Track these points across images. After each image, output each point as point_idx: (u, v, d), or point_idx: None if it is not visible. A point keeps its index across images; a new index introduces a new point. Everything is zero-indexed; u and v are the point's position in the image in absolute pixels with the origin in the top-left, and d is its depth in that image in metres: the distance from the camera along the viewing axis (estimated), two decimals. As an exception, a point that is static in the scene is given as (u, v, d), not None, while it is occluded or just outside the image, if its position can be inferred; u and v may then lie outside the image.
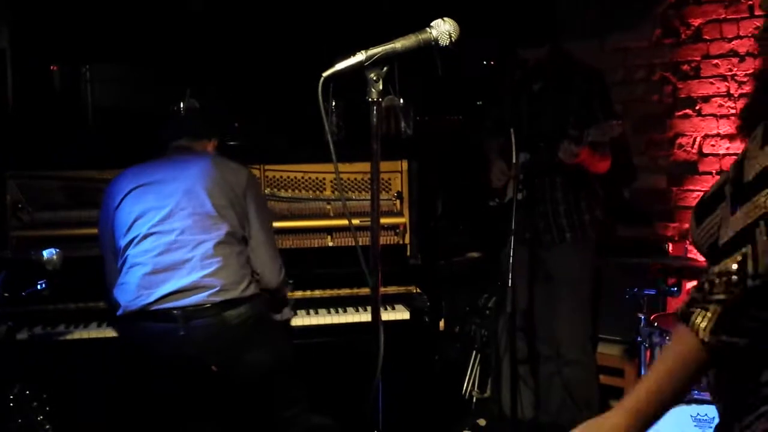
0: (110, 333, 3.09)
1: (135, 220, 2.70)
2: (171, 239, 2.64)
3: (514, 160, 3.18)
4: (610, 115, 3.24)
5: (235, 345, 2.62)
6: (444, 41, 1.70)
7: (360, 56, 1.67)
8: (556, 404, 3.67)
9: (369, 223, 1.85)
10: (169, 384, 2.63)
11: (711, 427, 2.59)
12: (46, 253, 2.57)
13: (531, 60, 3.45)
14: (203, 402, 2.66)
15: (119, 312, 2.67)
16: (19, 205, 3.28)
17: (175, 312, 2.56)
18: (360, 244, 1.84)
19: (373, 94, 1.69)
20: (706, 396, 2.61)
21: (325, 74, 1.67)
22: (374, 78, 1.68)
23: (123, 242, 2.71)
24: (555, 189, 3.43)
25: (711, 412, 2.60)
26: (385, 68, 1.69)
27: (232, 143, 3.67)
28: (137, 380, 2.71)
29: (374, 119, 1.71)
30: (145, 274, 2.62)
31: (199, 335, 2.57)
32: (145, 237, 2.67)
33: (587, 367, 3.52)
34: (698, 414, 2.63)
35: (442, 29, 1.69)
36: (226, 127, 3.09)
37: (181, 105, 3.55)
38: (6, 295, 2.55)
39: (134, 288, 2.63)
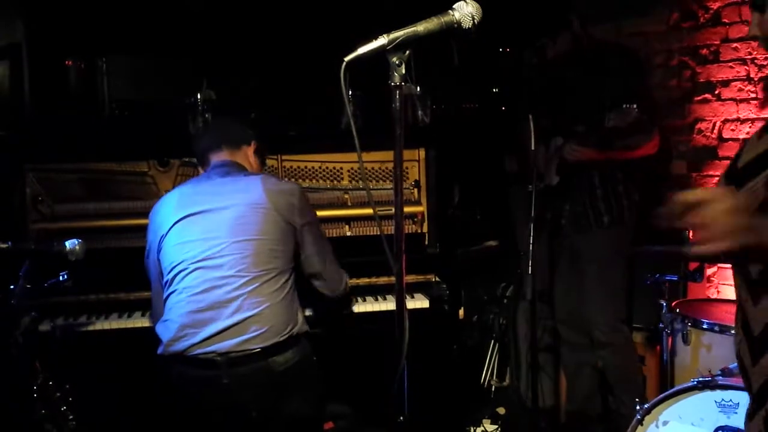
0: (131, 324, 3.11)
1: (181, 254, 2.58)
2: (217, 275, 2.52)
3: (533, 147, 3.17)
4: (647, 96, 3.21)
5: (278, 392, 2.54)
6: (467, 24, 1.68)
7: (382, 40, 1.66)
8: (583, 393, 3.65)
9: (388, 211, 1.85)
10: (205, 428, 2.56)
11: (735, 413, 2.57)
12: (68, 244, 2.57)
13: (555, 45, 3.42)
14: None
15: (159, 350, 2.57)
16: (39, 198, 3.32)
17: (218, 359, 2.46)
18: (383, 232, 1.83)
19: (396, 78, 1.68)
20: (731, 381, 2.59)
21: (347, 58, 1.66)
22: (396, 62, 1.67)
23: (168, 276, 2.61)
24: (592, 173, 3.42)
25: (735, 397, 2.58)
26: (407, 52, 1.68)
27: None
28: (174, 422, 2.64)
29: (397, 103, 1.70)
30: (189, 312, 2.51)
31: (244, 383, 2.48)
32: (191, 272, 2.55)
33: (622, 350, 3.48)
34: (722, 399, 2.61)
35: (465, 11, 1.68)
36: (258, 125, 3.02)
37: (198, 96, 3.53)
38: (28, 286, 2.55)
39: (176, 327, 2.52)
